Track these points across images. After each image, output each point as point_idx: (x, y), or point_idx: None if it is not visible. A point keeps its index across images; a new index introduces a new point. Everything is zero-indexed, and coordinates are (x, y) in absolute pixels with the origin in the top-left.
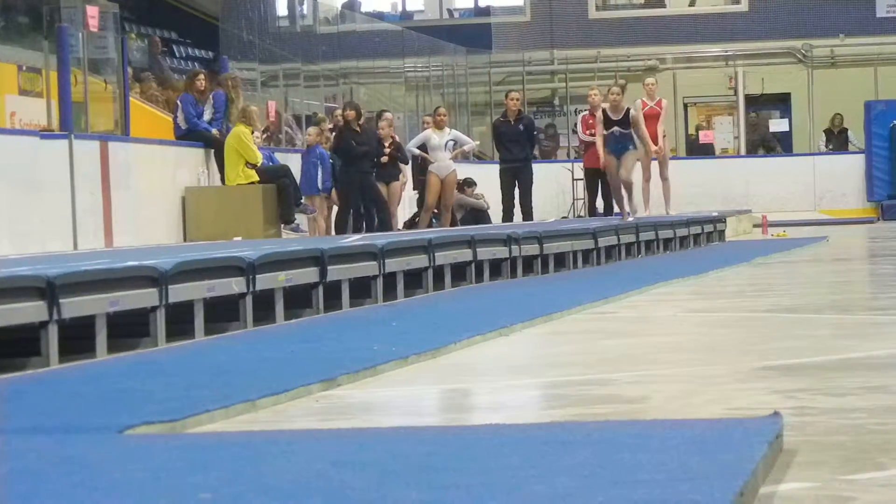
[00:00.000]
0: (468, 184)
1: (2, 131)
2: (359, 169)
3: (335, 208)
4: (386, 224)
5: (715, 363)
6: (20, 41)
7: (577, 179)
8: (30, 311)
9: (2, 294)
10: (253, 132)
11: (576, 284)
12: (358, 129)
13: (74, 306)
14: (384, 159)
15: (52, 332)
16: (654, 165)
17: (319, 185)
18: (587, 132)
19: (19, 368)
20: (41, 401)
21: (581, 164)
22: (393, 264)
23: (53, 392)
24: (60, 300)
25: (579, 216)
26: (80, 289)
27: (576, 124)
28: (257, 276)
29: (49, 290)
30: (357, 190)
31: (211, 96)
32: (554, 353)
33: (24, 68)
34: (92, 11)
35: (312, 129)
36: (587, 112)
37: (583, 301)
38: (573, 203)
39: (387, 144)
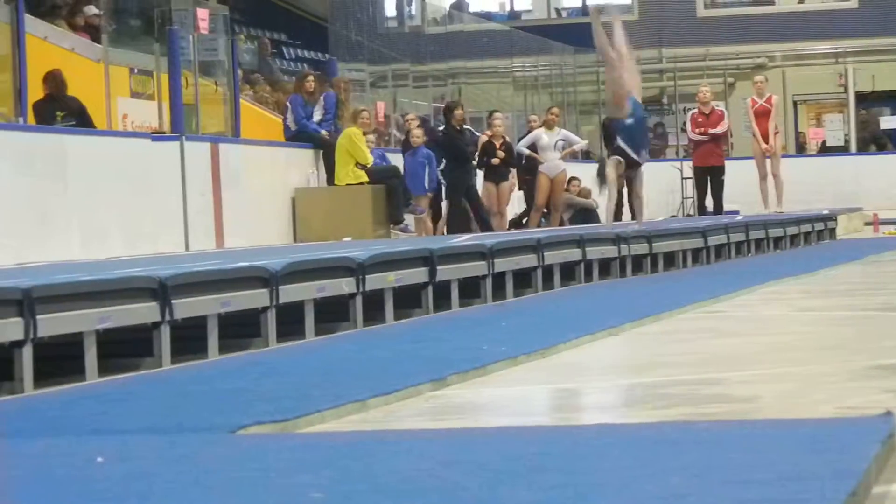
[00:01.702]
0: (576, 181)
1: (114, 133)
2: (465, 169)
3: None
4: (486, 224)
5: (826, 362)
6: (132, 44)
7: (686, 178)
8: (143, 311)
9: (115, 295)
10: (364, 133)
11: (685, 284)
12: (462, 129)
13: (186, 307)
14: (495, 161)
15: (165, 333)
16: (768, 163)
17: (426, 185)
18: (696, 130)
19: (133, 369)
20: (154, 401)
21: (690, 163)
22: (502, 264)
23: (166, 392)
24: (173, 301)
25: (688, 215)
26: (191, 290)
27: (685, 122)
28: (367, 277)
29: (161, 291)
30: (464, 190)
31: (322, 97)
32: (663, 353)
33: (136, 71)
34: (202, 14)
35: (419, 130)
36: (696, 110)
37: (692, 300)
38: (682, 202)
39: (497, 145)
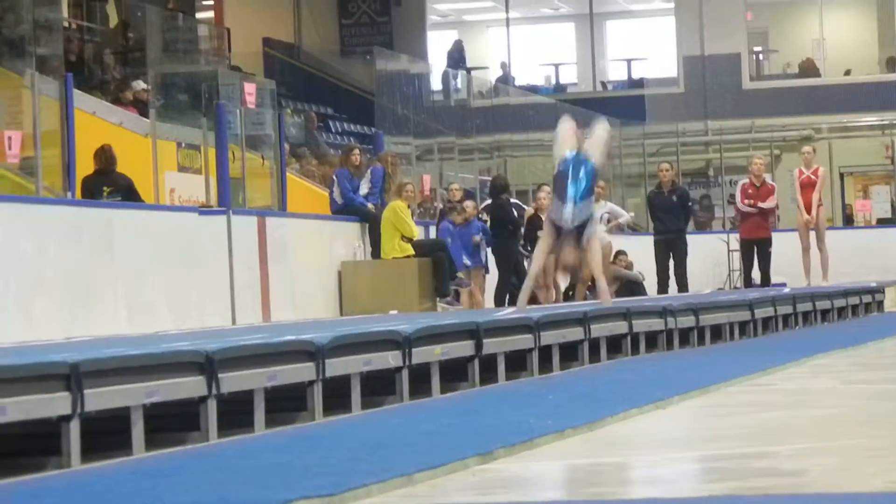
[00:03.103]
0: (621, 254)
1: (161, 208)
2: (513, 242)
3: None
4: (535, 299)
5: (876, 436)
6: (179, 119)
7: (732, 251)
8: (189, 385)
9: (162, 369)
10: (409, 206)
11: (732, 356)
12: (509, 202)
13: (233, 381)
14: (541, 233)
15: (212, 407)
16: (811, 235)
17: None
18: (745, 202)
19: (179, 443)
20: (201, 476)
21: (737, 235)
22: (549, 337)
23: (213, 467)
24: (219, 375)
25: (735, 287)
26: (238, 364)
27: (732, 194)
28: (413, 350)
29: (208, 365)
30: (512, 263)
31: (368, 171)
32: (711, 426)
33: (184, 145)
34: (249, 88)
35: (469, 203)
36: (747, 181)
37: (740, 373)
38: (729, 274)
39: (543, 219)
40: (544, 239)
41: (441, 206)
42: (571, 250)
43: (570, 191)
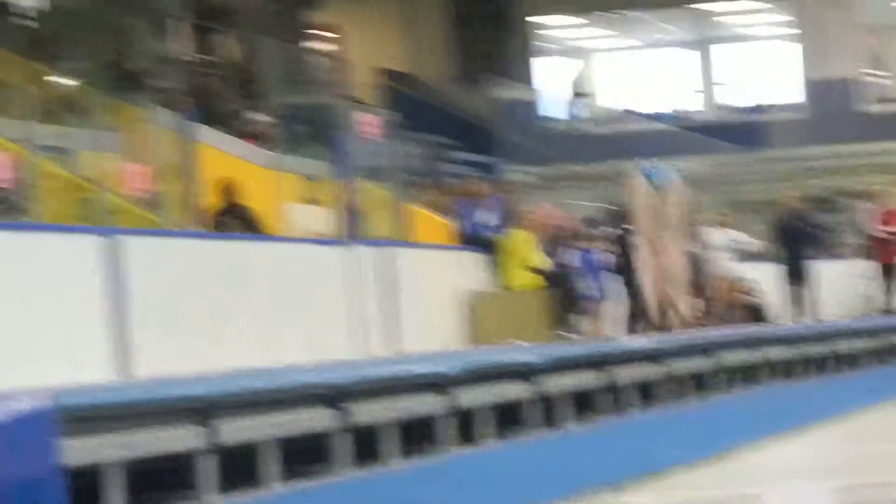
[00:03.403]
0: (746, 282)
1: (286, 240)
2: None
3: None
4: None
5: None
6: (301, 150)
7: (861, 277)
8: (320, 418)
9: (293, 402)
10: (533, 235)
11: (867, 383)
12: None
13: (363, 413)
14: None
15: (342, 440)
16: None
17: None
18: (882, 227)
19: (310, 475)
20: None
21: (866, 262)
22: (679, 366)
23: (344, 500)
24: (350, 407)
25: (867, 314)
26: (368, 395)
27: (865, 220)
28: (542, 380)
29: (338, 397)
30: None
31: (490, 200)
32: (847, 455)
33: (306, 177)
34: (370, 119)
35: (592, 232)
36: (880, 207)
37: (876, 400)
38: (860, 301)
39: None
40: None
41: (561, 234)
42: None
43: None
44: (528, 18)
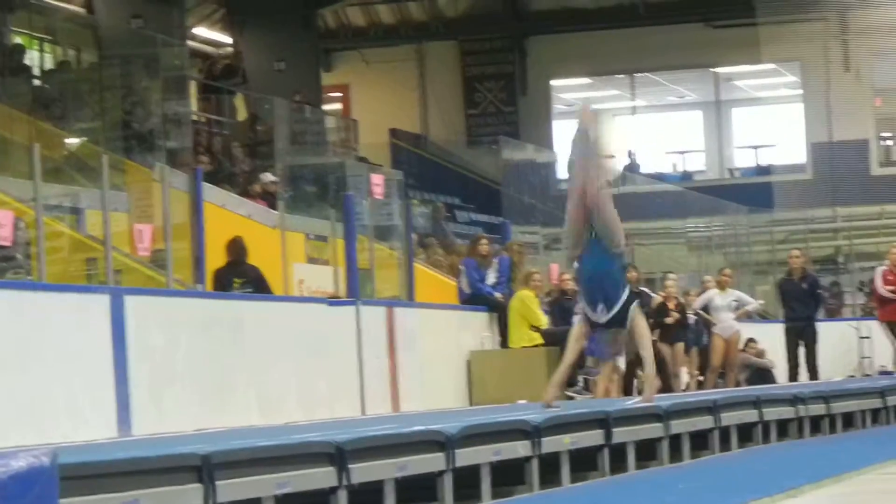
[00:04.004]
0: (754, 343)
1: (291, 299)
2: None
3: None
4: (667, 385)
5: None
6: (307, 210)
7: (863, 337)
8: (320, 476)
9: (293, 460)
10: (537, 296)
11: (865, 444)
12: (637, 290)
13: (363, 471)
14: (669, 320)
15: (342, 498)
16: None
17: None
18: (888, 287)
19: None
20: None
21: (866, 322)
22: (678, 426)
23: None
24: (350, 466)
25: (866, 375)
26: (368, 454)
27: (862, 281)
28: (543, 440)
29: (339, 455)
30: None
31: (496, 261)
32: None
33: (312, 236)
34: (377, 179)
35: None
36: (886, 267)
37: (872, 461)
38: (860, 361)
39: (671, 305)
40: (579, 326)
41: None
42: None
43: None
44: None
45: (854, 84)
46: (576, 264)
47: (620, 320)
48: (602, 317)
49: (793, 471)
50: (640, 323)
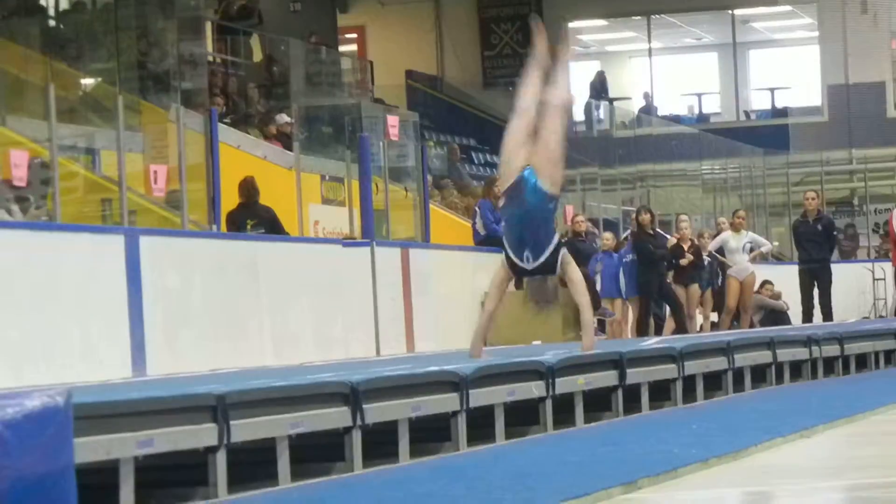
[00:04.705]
0: (770, 285)
1: (306, 240)
2: (657, 272)
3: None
4: (682, 326)
5: None
6: (323, 151)
7: (877, 279)
8: (335, 416)
9: (307, 401)
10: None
11: (878, 385)
12: (652, 232)
13: (378, 412)
14: (684, 262)
15: (356, 438)
16: None
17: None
18: None
19: (324, 474)
20: None
21: (883, 264)
22: (692, 367)
23: (358, 498)
24: (364, 406)
25: (880, 316)
26: (382, 394)
27: (886, 222)
28: (557, 380)
29: (353, 396)
30: (655, 293)
31: None
32: (857, 455)
33: (327, 178)
34: (392, 121)
35: (608, 234)
36: None
37: (885, 402)
38: (874, 303)
39: (686, 247)
40: (502, 271)
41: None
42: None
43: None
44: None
45: (871, 26)
46: (502, 201)
47: (549, 267)
48: (528, 265)
49: (806, 411)
50: (572, 269)
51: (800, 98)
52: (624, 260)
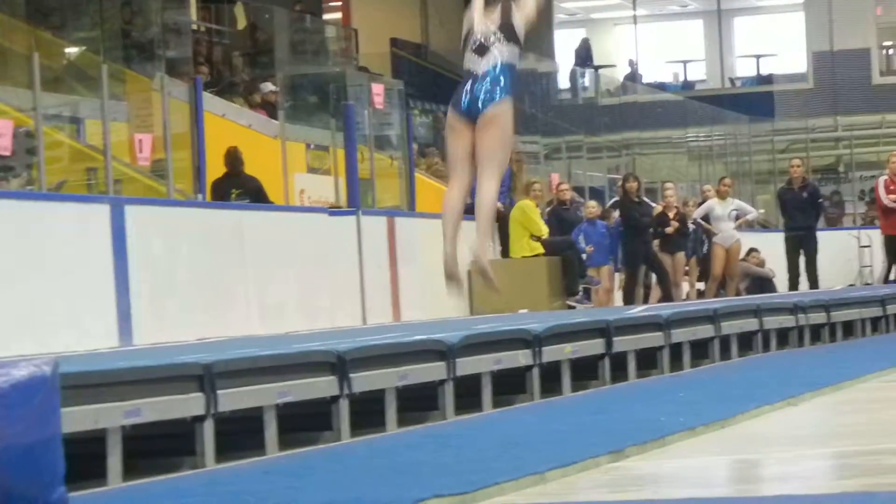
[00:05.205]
0: (756, 253)
1: (292, 209)
2: (643, 240)
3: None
4: (668, 294)
5: None
6: (308, 120)
7: (863, 246)
8: (321, 385)
9: (294, 370)
10: (537, 205)
11: (864, 353)
12: (638, 200)
13: (364, 380)
14: (669, 230)
15: (343, 407)
16: None
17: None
18: (891, 197)
19: (311, 443)
20: (334, 475)
21: (868, 231)
22: (679, 335)
23: (345, 466)
24: (351, 375)
25: (866, 284)
26: (369, 363)
27: (872, 189)
28: (543, 349)
29: (339, 364)
30: (641, 261)
31: None
32: (843, 423)
33: (312, 146)
34: (377, 89)
35: (593, 202)
36: (886, 177)
37: (872, 370)
38: (860, 270)
39: (671, 215)
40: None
41: (554, 205)
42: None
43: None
44: None
45: None
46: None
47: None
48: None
49: (793, 379)
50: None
51: (785, 65)
52: (620, 229)
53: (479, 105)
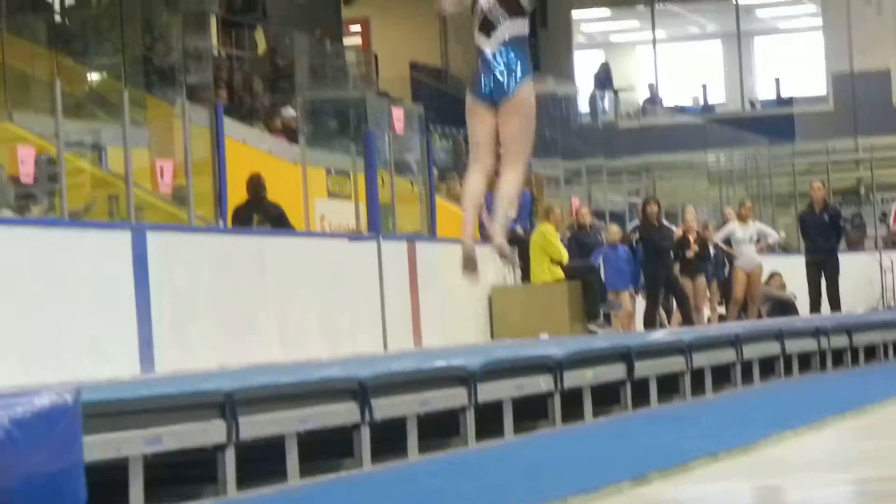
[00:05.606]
0: (778, 276)
1: (312, 235)
2: (663, 264)
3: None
4: (688, 319)
5: None
6: (328, 145)
7: (885, 269)
8: (343, 413)
9: (316, 397)
10: (557, 229)
11: (887, 377)
12: (658, 224)
13: (386, 407)
14: (690, 254)
15: (365, 434)
16: None
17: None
18: None
19: (333, 470)
20: (357, 502)
21: (889, 254)
22: (701, 359)
23: (367, 494)
24: (372, 402)
25: (889, 307)
26: (391, 390)
27: (884, 212)
28: (565, 374)
29: (361, 392)
30: (662, 285)
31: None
32: (865, 448)
33: (333, 172)
34: (398, 114)
35: (615, 227)
36: None
37: (894, 393)
38: (882, 294)
39: (692, 239)
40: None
41: (575, 230)
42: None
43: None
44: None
45: (875, 13)
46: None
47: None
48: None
49: (815, 403)
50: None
51: (805, 87)
52: (624, 253)
53: (502, 89)
